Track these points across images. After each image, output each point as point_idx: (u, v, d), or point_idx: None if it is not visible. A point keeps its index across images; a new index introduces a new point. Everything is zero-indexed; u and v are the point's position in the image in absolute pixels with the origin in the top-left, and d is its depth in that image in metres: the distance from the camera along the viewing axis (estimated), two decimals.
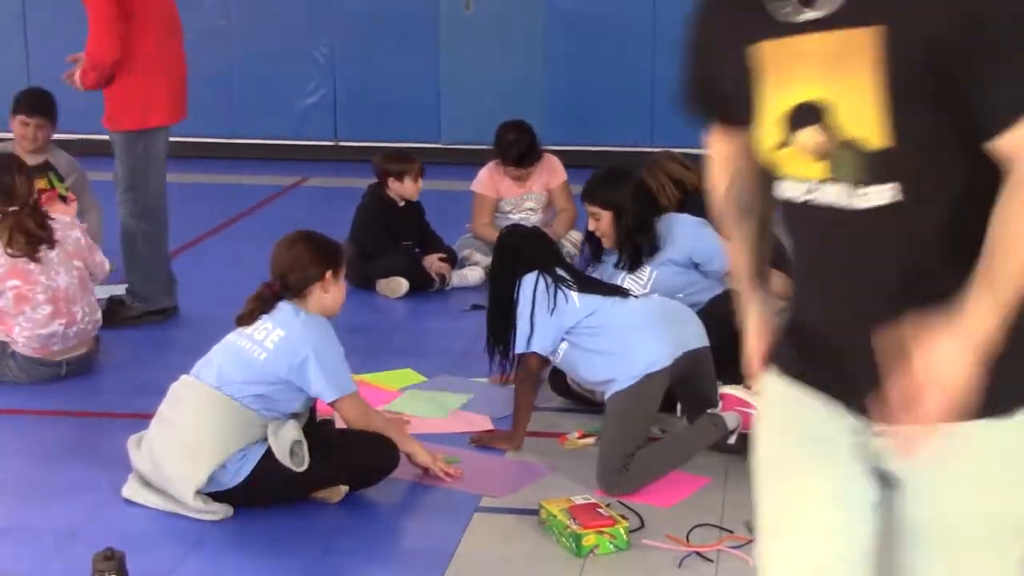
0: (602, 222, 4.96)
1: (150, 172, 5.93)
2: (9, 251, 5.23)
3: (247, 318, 4.25)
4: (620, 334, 4.40)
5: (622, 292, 4.65)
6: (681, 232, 5.01)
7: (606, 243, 5.02)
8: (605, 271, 5.06)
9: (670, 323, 4.47)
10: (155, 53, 5.79)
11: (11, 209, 5.27)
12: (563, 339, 4.48)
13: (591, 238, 5.11)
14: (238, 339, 4.23)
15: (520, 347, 4.48)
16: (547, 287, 4.47)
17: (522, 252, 4.61)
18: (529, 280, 4.50)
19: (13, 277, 5.24)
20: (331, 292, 4.27)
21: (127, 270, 6.05)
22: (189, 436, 4.12)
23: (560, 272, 4.54)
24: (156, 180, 5.97)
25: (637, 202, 4.97)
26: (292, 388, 4.16)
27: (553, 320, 4.45)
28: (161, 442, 4.17)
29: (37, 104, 6.75)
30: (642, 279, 4.99)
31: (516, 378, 4.60)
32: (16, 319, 5.27)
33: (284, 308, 4.23)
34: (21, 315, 5.26)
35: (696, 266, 5.04)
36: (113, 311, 5.89)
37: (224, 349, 4.25)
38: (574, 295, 4.48)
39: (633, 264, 5.00)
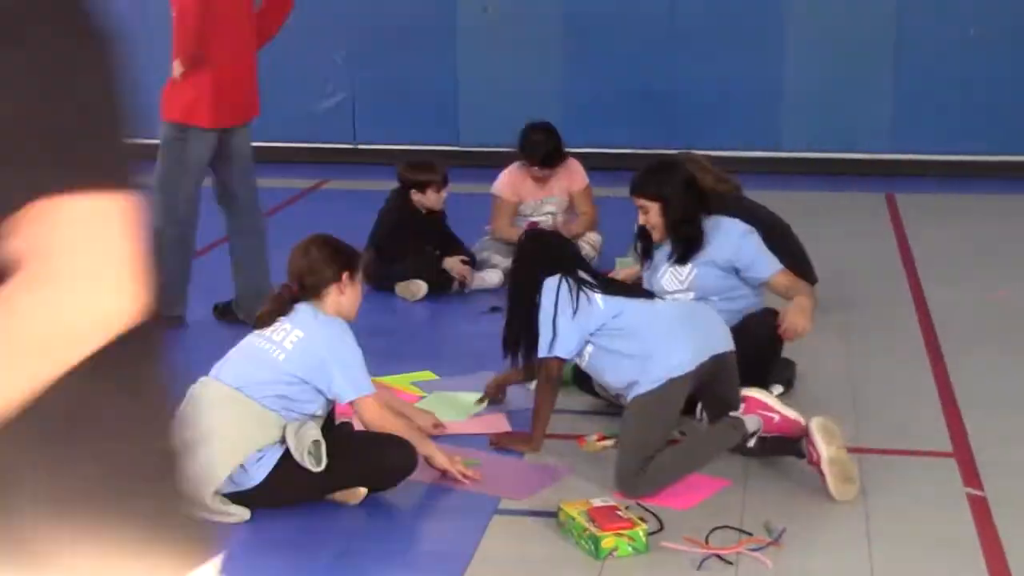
0: (650, 214, 4.93)
1: (183, 177, 5.82)
2: None
3: (265, 319, 4.27)
4: (646, 336, 4.39)
5: (647, 294, 4.63)
6: (727, 235, 4.97)
7: (656, 236, 4.99)
8: (656, 269, 5.04)
9: (697, 326, 4.46)
10: (217, 54, 5.70)
11: None
12: (588, 342, 4.47)
13: (643, 234, 5.08)
14: (257, 340, 4.25)
15: (543, 351, 4.46)
16: (570, 290, 4.45)
17: (543, 255, 4.60)
18: (551, 284, 4.47)
19: None
20: (347, 294, 4.28)
21: None
22: (209, 436, 4.11)
23: (582, 275, 4.53)
24: (187, 186, 5.86)
25: (685, 195, 4.94)
26: (311, 389, 4.17)
27: (576, 323, 4.44)
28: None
29: None
30: (681, 276, 4.97)
31: (537, 382, 4.60)
32: None
33: (302, 309, 4.25)
34: None
35: (737, 271, 5.01)
36: None
37: (243, 350, 4.28)
38: (598, 297, 4.46)
39: (679, 256, 4.98)
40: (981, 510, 4.17)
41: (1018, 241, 7.73)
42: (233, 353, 4.31)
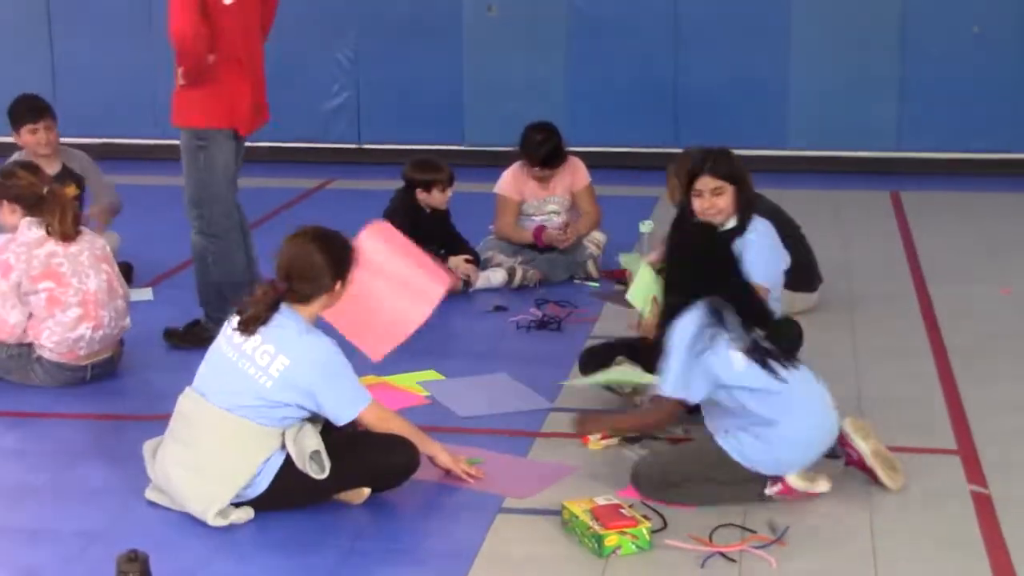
0: (724, 196, 4.87)
1: (214, 185, 5.67)
2: (58, 230, 5.27)
3: (249, 325, 4.12)
4: (774, 433, 4.10)
5: (790, 360, 4.22)
6: (751, 227, 4.96)
7: (719, 220, 4.90)
8: None
9: (827, 428, 4.23)
10: (233, 56, 5.57)
11: (46, 190, 5.34)
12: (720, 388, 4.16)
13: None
14: (239, 359, 4.11)
15: (665, 388, 4.15)
16: (705, 335, 4.08)
17: (705, 276, 4.23)
18: (690, 322, 4.12)
19: (47, 279, 5.27)
20: (324, 299, 4.22)
21: (199, 293, 5.83)
22: (208, 461, 4.07)
23: (730, 320, 4.12)
24: (222, 194, 5.70)
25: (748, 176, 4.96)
26: (305, 408, 4.14)
27: (710, 376, 4.11)
28: (178, 465, 4.13)
29: (37, 108, 6.74)
30: None
31: (654, 411, 4.29)
32: (45, 323, 5.29)
33: (284, 324, 4.12)
34: (51, 319, 5.28)
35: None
36: (189, 333, 5.80)
37: (227, 368, 4.14)
38: (738, 356, 4.10)
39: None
40: (985, 508, 4.17)
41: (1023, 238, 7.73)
42: (216, 365, 4.19)
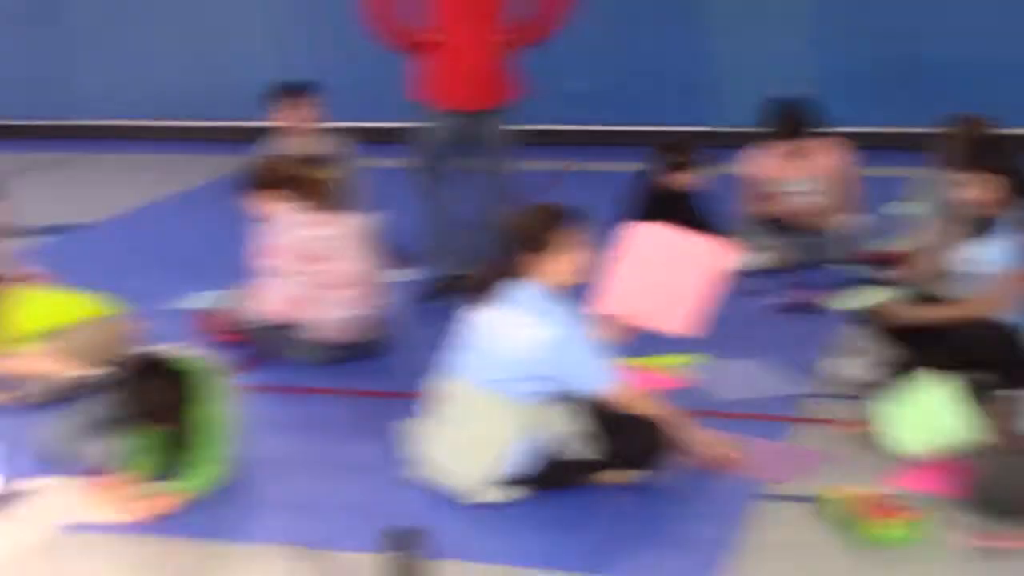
0: (982, 189, 4.80)
1: (425, 152, 6.15)
2: (315, 204, 5.50)
3: (482, 293, 4.21)
4: None
5: None
6: None
7: (980, 212, 4.83)
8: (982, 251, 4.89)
9: None
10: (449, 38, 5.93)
11: (292, 170, 5.58)
12: None
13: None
14: (489, 334, 4.18)
15: None
16: None
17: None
18: None
19: (311, 261, 5.45)
20: (551, 268, 4.17)
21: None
22: (472, 438, 4.16)
23: None
24: (434, 163, 6.15)
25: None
26: (552, 380, 4.18)
27: None
28: (443, 445, 4.24)
29: (295, 85, 7.03)
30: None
31: None
32: (310, 304, 5.47)
33: (526, 294, 4.17)
34: (315, 300, 5.47)
35: None
36: (441, 291, 6.16)
37: (479, 343, 4.23)
38: None
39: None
40: None
41: None
42: (467, 343, 4.26)
